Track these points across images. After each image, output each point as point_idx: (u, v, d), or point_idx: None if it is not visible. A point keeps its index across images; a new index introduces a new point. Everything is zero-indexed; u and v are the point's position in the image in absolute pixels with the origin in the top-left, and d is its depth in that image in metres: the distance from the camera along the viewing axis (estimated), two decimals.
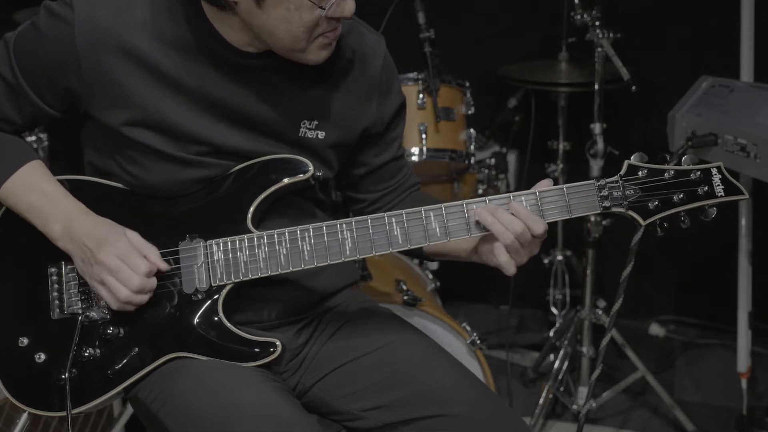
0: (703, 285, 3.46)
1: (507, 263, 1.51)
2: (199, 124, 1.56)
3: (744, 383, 2.80)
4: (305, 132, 1.63)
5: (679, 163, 1.52)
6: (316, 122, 1.63)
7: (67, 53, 1.52)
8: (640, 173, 1.52)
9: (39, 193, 1.59)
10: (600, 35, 2.63)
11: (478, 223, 1.52)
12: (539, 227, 1.49)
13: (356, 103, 1.67)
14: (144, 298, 1.54)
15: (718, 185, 1.52)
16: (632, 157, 1.53)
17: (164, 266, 1.56)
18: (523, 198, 1.51)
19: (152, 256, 1.54)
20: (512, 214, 1.49)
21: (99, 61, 1.52)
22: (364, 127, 1.69)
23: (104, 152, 1.63)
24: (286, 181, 1.59)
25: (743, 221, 2.72)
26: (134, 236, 1.55)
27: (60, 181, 1.63)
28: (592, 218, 2.76)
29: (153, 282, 1.54)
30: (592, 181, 1.53)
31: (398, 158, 1.80)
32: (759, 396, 2.99)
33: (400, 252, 1.78)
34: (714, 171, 1.52)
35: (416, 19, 2.72)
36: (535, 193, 1.51)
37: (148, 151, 1.57)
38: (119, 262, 1.51)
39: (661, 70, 3.23)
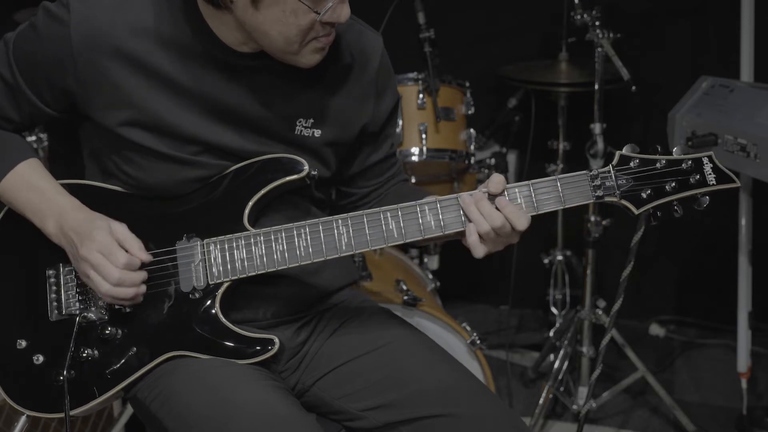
0: (703, 285, 3.46)
1: (475, 244, 1.49)
2: (195, 123, 1.56)
3: (744, 383, 2.80)
4: (301, 130, 1.63)
5: (670, 153, 1.52)
6: (311, 120, 1.63)
7: (63, 54, 1.52)
8: (632, 164, 1.52)
9: (35, 190, 1.59)
10: (600, 35, 2.63)
11: None
12: (523, 223, 1.48)
13: (353, 101, 1.67)
14: (127, 291, 1.53)
15: (710, 174, 1.51)
16: (624, 148, 1.53)
17: (145, 257, 1.55)
18: (516, 189, 1.51)
19: (133, 248, 1.54)
20: (496, 207, 1.48)
21: (94, 62, 1.52)
22: (362, 125, 1.69)
23: (102, 153, 1.63)
24: (281, 180, 1.59)
25: (743, 221, 2.71)
26: (119, 229, 1.55)
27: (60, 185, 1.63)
28: (592, 218, 2.76)
29: (135, 275, 1.54)
30: (585, 172, 1.52)
31: (390, 156, 1.81)
32: (759, 396, 2.99)
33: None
34: (705, 160, 1.52)
35: (416, 19, 2.72)
36: (529, 184, 1.51)
37: (145, 152, 1.57)
38: (100, 257, 1.51)
39: (661, 70, 3.23)
